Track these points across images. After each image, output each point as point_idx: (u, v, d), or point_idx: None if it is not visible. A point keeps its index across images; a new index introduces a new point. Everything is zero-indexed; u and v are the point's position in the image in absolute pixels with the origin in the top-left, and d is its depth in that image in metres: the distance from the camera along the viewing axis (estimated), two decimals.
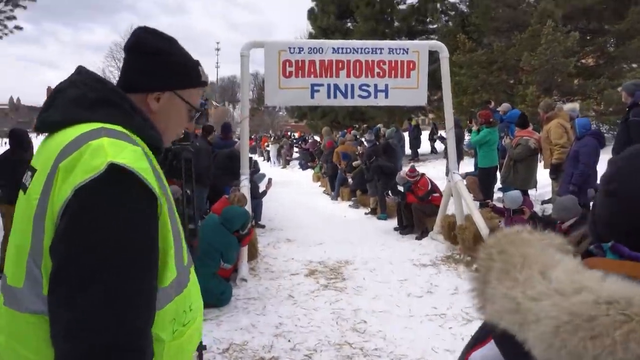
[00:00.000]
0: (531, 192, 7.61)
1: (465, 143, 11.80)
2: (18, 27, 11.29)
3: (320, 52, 6.70)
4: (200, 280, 4.19)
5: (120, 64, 1.40)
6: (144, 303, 0.98)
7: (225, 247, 5.00)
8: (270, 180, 9.02)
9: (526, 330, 0.60)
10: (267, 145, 28.29)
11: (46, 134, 1.12)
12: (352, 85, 6.78)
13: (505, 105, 9.95)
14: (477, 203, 7.28)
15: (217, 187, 7.38)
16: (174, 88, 1.20)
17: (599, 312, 0.55)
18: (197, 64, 1.27)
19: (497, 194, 8.39)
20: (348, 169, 11.86)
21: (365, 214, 10.19)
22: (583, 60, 13.81)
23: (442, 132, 12.50)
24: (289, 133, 33.78)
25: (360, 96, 6.85)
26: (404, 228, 8.12)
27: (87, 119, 1.06)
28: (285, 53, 6.66)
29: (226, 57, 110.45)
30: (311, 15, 22.96)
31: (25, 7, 10.99)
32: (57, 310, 0.93)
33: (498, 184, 8.73)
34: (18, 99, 77.22)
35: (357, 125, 20.15)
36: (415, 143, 16.70)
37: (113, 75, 32.36)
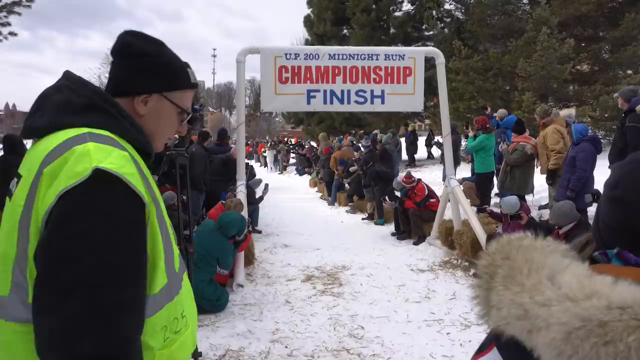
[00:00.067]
0: (528, 197, 7.62)
1: (462, 148, 11.83)
2: (12, 34, 11.31)
3: (317, 58, 6.71)
4: (197, 286, 4.15)
5: None
6: (130, 310, 0.95)
7: (222, 252, 4.97)
8: (267, 185, 9.01)
9: (535, 337, 0.59)
10: (264, 151, 28.32)
11: (33, 140, 1.10)
12: (349, 91, 6.79)
13: (501, 111, 9.97)
14: (475, 208, 7.28)
15: (213, 193, 7.36)
16: (161, 90, 1.18)
17: (612, 318, 0.54)
18: (185, 65, 1.24)
19: (494, 199, 8.40)
20: (345, 175, 11.86)
21: (362, 219, 10.18)
22: (578, 67, 13.88)
23: (438, 138, 12.53)
24: (285, 139, 33.82)
25: (356, 102, 6.85)
26: (401, 233, 8.11)
27: (73, 124, 1.04)
28: (281, 59, 6.67)
29: (222, 63, 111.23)
30: (307, 22, 23.03)
31: (20, 14, 11.01)
32: (40, 319, 0.91)
33: (495, 190, 8.74)
34: (14, 105, 77.13)
35: (353, 131, 20.18)
36: (412, 149, 16.73)
37: None
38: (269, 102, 6.83)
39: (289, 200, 12.96)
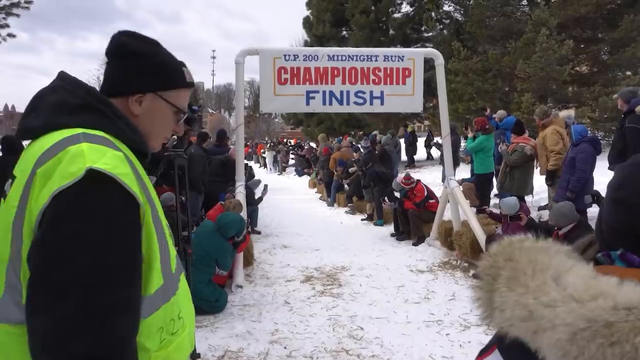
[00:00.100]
0: (527, 198, 7.61)
1: (462, 149, 11.83)
2: (11, 35, 11.33)
3: (316, 59, 6.71)
4: (195, 287, 4.14)
5: None
6: (125, 311, 0.94)
7: (221, 253, 4.97)
8: (266, 186, 9.01)
9: (540, 338, 0.58)
10: (263, 152, 28.32)
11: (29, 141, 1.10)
12: (348, 92, 6.79)
13: (501, 112, 9.98)
14: (474, 209, 7.28)
15: (212, 194, 7.36)
16: (155, 89, 1.17)
17: (618, 318, 0.54)
18: (180, 65, 1.24)
19: (494, 200, 8.40)
20: (344, 176, 11.86)
21: (362, 220, 10.18)
22: (577, 68, 13.89)
23: (438, 139, 12.53)
24: (284, 140, 33.83)
25: (355, 103, 6.85)
26: (401, 234, 8.11)
27: (68, 124, 1.03)
28: (280, 60, 6.67)
29: (222, 65, 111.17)
30: (306, 23, 23.06)
31: (18, 15, 11.03)
32: (34, 320, 0.90)
33: (494, 190, 8.74)
34: (13, 107, 77.13)
35: (353, 132, 20.19)
36: (411, 149, 16.73)
37: None
38: (268, 103, 6.83)
39: (288, 201, 12.96)
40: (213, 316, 4.58)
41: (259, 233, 8.49)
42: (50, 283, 0.89)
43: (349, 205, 11.44)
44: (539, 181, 7.70)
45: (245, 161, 8.67)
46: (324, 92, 6.75)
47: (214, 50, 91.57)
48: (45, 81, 1.17)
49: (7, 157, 5.68)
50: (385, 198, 8.87)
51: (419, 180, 8.19)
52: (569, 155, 6.17)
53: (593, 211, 6.16)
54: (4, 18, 10.94)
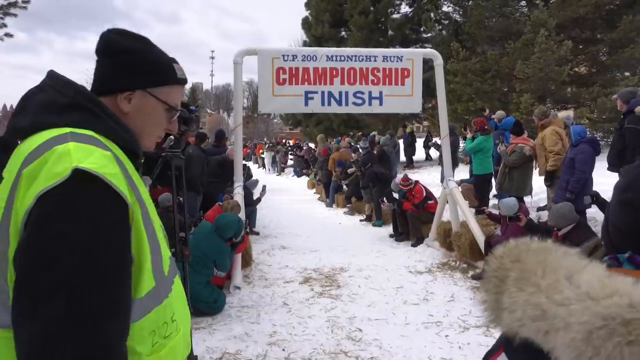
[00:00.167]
0: (526, 198, 7.60)
1: (461, 150, 11.82)
2: (9, 35, 11.31)
3: (314, 59, 6.70)
4: (193, 288, 4.10)
5: None
6: (114, 314, 0.92)
7: (219, 255, 4.94)
8: (264, 187, 8.99)
9: (553, 338, 0.56)
10: (262, 153, 28.31)
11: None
12: (346, 93, 6.78)
13: (499, 113, 9.97)
14: (473, 210, 7.27)
15: (210, 195, 7.34)
16: (145, 86, 1.15)
17: (636, 316, 0.52)
18: (171, 61, 1.22)
19: (493, 201, 8.39)
20: (343, 176, 11.85)
21: (360, 220, 10.16)
22: (576, 69, 13.90)
23: (436, 139, 12.53)
24: (283, 140, 33.82)
25: (354, 103, 6.84)
26: (400, 235, 8.09)
27: (57, 124, 1.02)
28: (279, 60, 6.65)
29: (220, 65, 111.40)
30: (305, 24, 23.04)
31: (16, 15, 11.00)
32: (19, 324, 0.88)
33: (493, 191, 8.73)
34: (11, 107, 77.18)
35: (351, 133, 20.17)
36: (410, 150, 16.73)
37: None
38: (267, 104, 6.82)
39: (286, 202, 12.94)
40: (211, 318, 4.56)
41: (257, 234, 8.47)
42: (36, 285, 0.87)
43: (347, 206, 11.42)
44: (538, 182, 7.69)
45: (243, 162, 8.66)
46: (323, 93, 6.74)
47: (212, 51, 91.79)
48: None
49: (2, 157, 5.66)
50: (384, 199, 8.86)
51: (417, 181, 8.18)
52: (568, 155, 6.16)
53: (592, 212, 6.15)
54: (1, 18, 10.91)
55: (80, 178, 0.91)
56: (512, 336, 0.62)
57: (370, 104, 6.86)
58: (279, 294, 5.31)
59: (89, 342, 0.87)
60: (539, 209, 7.78)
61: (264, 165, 26.57)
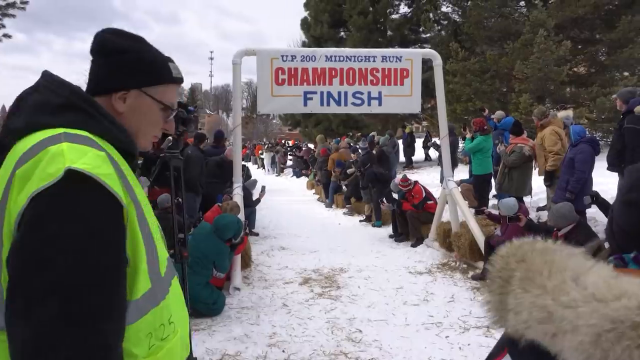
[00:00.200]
0: (526, 199, 7.60)
1: (460, 150, 11.82)
2: (7, 36, 11.31)
3: (313, 59, 6.69)
4: (193, 290, 4.08)
5: None
6: (109, 317, 0.91)
7: (218, 256, 4.93)
8: (264, 188, 8.98)
9: (560, 341, 0.55)
10: (262, 153, 28.31)
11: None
12: (346, 93, 6.77)
13: (499, 113, 9.98)
14: (472, 210, 7.26)
15: (209, 195, 7.32)
16: (139, 86, 1.15)
17: None
18: (166, 60, 1.21)
19: (492, 201, 8.39)
20: (342, 177, 11.84)
21: (360, 221, 10.15)
22: (575, 69, 13.91)
23: (436, 140, 12.52)
24: (282, 141, 33.83)
25: (353, 104, 6.83)
26: (399, 235, 8.08)
27: (50, 124, 1.01)
28: (278, 61, 6.64)
29: (220, 66, 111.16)
30: (304, 24, 23.05)
31: (14, 16, 10.99)
32: (13, 326, 0.87)
33: (493, 191, 8.73)
34: None
35: (351, 133, 20.17)
36: (409, 150, 16.73)
37: None
38: (266, 104, 6.80)
39: (286, 203, 12.93)
40: (210, 319, 4.54)
41: (256, 235, 8.46)
42: (29, 287, 0.86)
43: (347, 206, 11.41)
44: (537, 182, 7.69)
45: (242, 162, 8.64)
46: (322, 93, 6.73)
47: (211, 51, 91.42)
48: None
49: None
50: (384, 199, 8.86)
51: (416, 182, 8.17)
52: (568, 155, 6.15)
53: (592, 212, 6.14)
54: None
55: (74, 178, 0.91)
56: (518, 338, 0.61)
57: (369, 104, 6.85)
58: (279, 295, 5.30)
59: (83, 347, 0.86)
60: (539, 209, 7.78)
61: (263, 166, 26.58)
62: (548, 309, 0.57)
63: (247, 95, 58.75)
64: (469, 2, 15.13)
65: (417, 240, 7.61)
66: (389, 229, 8.65)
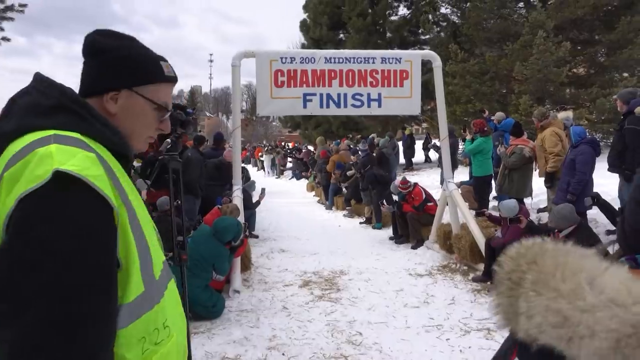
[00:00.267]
0: (526, 200, 7.58)
1: (460, 152, 11.80)
2: (6, 39, 11.28)
3: (313, 61, 6.67)
4: (192, 292, 4.06)
5: None
6: (98, 321, 0.89)
7: (217, 258, 4.91)
8: (263, 190, 8.96)
9: (577, 346, 0.53)
10: (261, 156, 28.29)
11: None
12: (345, 95, 6.75)
13: (499, 114, 9.97)
14: (473, 212, 7.24)
15: (209, 198, 7.30)
16: (130, 85, 1.13)
17: None
18: (158, 59, 1.19)
19: (493, 203, 8.37)
20: (342, 179, 11.82)
21: (360, 223, 10.13)
22: (574, 70, 13.90)
23: (436, 141, 12.51)
24: (282, 143, 33.79)
25: (353, 105, 6.81)
26: (399, 237, 8.06)
27: (41, 126, 0.99)
28: (277, 63, 6.63)
29: (219, 68, 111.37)
30: (303, 26, 23.08)
31: (12, 19, 10.98)
32: (0, 329, 0.85)
33: (493, 193, 8.71)
34: None
35: (350, 135, 20.18)
36: (409, 152, 16.72)
37: None
38: (265, 106, 6.79)
39: (286, 205, 12.91)
40: (210, 322, 4.52)
41: (256, 237, 8.43)
42: (16, 291, 0.85)
43: (347, 208, 11.39)
44: (538, 183, 7.67)
45: (242, 164, 8.62)
46: (321, 95, 6.72)
47: (211, 54, 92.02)
48: None
49: None
50: (384, 201, 8.83)
51: (416, 184, 8.15)
52: (569, 157, 6.14)
53: (593, 213, 6.13)
54: None
55: (62, 180, 0.89)
56: (530, 342, 0.59)
57: (369, 105, 6.83)
58: (279, 298, 5.28)
59: (71, 353, 0.85)
60: (540, 210, 7.76)
61: (263, 168, 26.55)
62: (563, 313, 0.55)
63: (247, 97, 58.77)
64: (468, 4, 15.12)
65: (418, 242, 7.58)
66: (389, 231, 8.63)
